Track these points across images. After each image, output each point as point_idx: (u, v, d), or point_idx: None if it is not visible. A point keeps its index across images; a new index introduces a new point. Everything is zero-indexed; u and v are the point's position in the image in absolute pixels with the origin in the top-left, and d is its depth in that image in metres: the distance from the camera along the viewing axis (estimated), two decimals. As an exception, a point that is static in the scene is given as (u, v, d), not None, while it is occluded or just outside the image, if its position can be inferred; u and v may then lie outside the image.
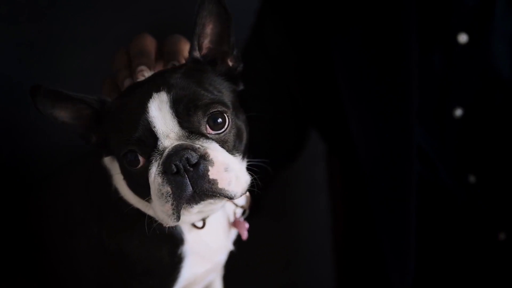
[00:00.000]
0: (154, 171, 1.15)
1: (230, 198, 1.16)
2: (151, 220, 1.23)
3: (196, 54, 1.27)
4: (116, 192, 1.30)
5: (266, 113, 1.35)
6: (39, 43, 1.82)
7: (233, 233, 1.43)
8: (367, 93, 1.67)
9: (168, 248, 1.30)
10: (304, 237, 2.42)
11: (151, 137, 1.16)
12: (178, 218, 1.15)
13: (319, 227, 2.21)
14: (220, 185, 1.14)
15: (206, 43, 1.28)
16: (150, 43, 1.35)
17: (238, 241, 1.45)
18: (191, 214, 1.20)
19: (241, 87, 1.31)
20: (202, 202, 1.15)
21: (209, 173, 1.14)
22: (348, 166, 1.84)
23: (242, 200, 1.41)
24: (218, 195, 1.15)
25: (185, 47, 1.34)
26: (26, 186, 1.65)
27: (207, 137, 1.18)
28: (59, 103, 1.23)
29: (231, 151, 1.20)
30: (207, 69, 1.26)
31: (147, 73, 1.28)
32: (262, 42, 1.81)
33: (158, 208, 1.16)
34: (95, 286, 1.36)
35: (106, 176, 1.32)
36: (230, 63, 1.30)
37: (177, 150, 1.14)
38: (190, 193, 1.13)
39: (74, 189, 1.39)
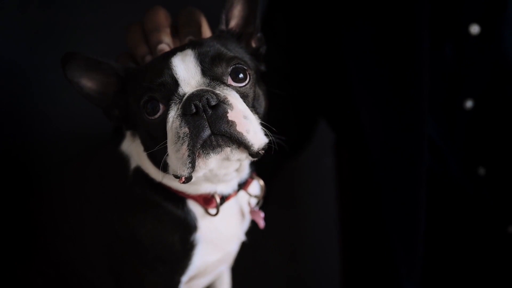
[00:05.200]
0: (172, 115, 1.16)
1: (247, 147, 1.15)
2: (166, 206, 1.24)
3: (223, 27, 1.29)
4: (135, 173, 1.31)
5: (274, 103, 1.35)
6: (48, 30, 1.82)
7: (246, 224, 1.43)
8: (377, 83, 1.67)
9: (180, 235, 1.30)
10: (311, 228, 2.42)
11: (173, 83, 1.17)
12: (193, 166, 1.13)
13: (326, 218, 2.21)
14: (239, 128, 1.14)
15: (232, 24, 1.31)
16: (164, 18, 1.33)
17: (249, 231, 1.45)
18: (206, 167, 1.16)
19: (263, 67, 1.33)
20: (218, 150, 1.14)
21: (228, 115, 1.14)
22: (357, 156, 1.83)
23: (256, 190, 1.40)
24: (236, 139, 1.13)
25: (202, 19, 1.35)
26: (34, 174, 1.66)
27: (227, 86, 1.19)
28: (88, 72, 1.24)
29: (250, 107, 1.20)
30: (233, 39, 1.29)
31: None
32: (272, 32, 1.80)
33: (173, 157, 1.15)
34: (107, 271, 1.36)
35: (123, 162, 1.33)
36: (254, 44, 1.32)
37: (198, 92, 1.15)
38: (207, 134, 1.13)
39: (88, 178, 1.40)
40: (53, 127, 1.87)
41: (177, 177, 1.18)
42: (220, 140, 1.13)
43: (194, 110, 1.13)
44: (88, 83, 1.25)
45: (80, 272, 1.40)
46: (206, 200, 1.31)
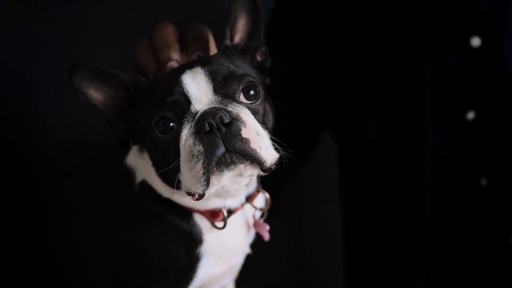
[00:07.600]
0: (186, 133, 1.16)
1: (260, 163, 1.16)
2: (172, 220, 1.25)
3: (228, 42, 1.30)
4: (141, 187, 1.31)
5: (278, 114, 1.35)
6: (52, 39, 1.83)
7: (251, 236, 1.44)
8: (380, 93, 1.67)
9: (185, 248, 1.31)
10: (315, 237, 2.42)
11: (185, 101, 1.17)
12: (208, 183, 1.14)
13: (330, 227, 2.20)
14: (252, 145, 1.14)
15: (236, 38, 1.32)
16: (173, 33, 1.34)
17: (253, 243, 1.45)
18: (220, 184, 1.16)
19: (268, 81, 1.34)
20: (232, 167, 1.14)
21: (242, 132, 1.14)
22: (360, 166, 1.84)
23: (261, 203, 1.41)
24: (250, 156, 1.14)
25: (209, 35, 1.36)
26: (37, 183, 1.65)
27: (239, 103, 1.20)
28: (95, 83, 1.23)
29: (260, 123, 1.21)
30: (238, 55, 1.30)
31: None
32: (275, 42, 1.80)
33: (187, 175, 1.15)
34: (111, 282, 1.36)
35: (128, 175, 1.33)
36: (259, 58, 1.33)
37: (211, 110, 1.15)
38: (222, 152, 1.13)
39: (93, 190, 1.40)
40: (56, 136, 1.88)
41: (190, 194, 1.18)
42: (234, 157, 1.14)
43: (208, 128, 1.13)
44: (95, 94, 1.24)
45: (82, 281, 1.41)
46: (213, 214, 1.32)
